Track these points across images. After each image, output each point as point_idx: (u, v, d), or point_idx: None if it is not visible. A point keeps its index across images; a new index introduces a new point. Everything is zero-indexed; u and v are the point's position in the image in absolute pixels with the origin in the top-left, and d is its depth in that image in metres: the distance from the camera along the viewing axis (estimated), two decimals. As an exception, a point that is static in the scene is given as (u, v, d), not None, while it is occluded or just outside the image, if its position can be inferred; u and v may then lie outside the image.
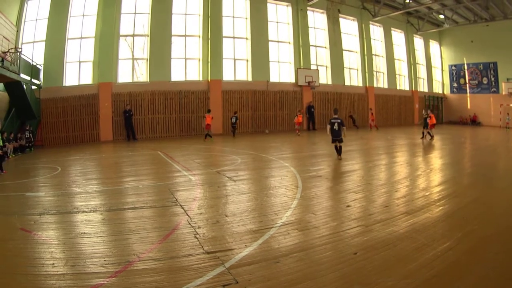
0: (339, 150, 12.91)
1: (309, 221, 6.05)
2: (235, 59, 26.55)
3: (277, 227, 5.73)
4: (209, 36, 24.85)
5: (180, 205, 7.08)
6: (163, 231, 5.60)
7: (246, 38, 26.78)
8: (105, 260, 4.51)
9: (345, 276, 4.09)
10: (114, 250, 4.87)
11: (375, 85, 33.78)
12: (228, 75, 26.10)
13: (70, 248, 5.01)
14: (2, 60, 13.95)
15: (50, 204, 7.48)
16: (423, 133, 20.26)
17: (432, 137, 19.75)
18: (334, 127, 12.69)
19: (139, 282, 3.95)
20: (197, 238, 5.25)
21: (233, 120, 22.79)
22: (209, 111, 21.47)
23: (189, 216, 6.33)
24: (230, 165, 12.11)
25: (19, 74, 16.15)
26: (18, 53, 16.26)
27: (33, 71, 18.75)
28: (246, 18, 26.83)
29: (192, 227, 5.74)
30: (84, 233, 5.59)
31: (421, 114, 26.56)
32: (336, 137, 12.73)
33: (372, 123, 29.32)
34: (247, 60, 26.83)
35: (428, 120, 19.58)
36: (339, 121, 12.72)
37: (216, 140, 20.47)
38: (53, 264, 4.43)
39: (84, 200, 7.75)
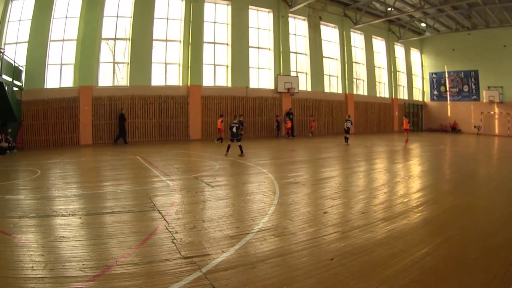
0: (241, 149, 15.85)
1: (286, 227, 6.11)
2: (215, 65, 26.59)
3: (254, 233, 5.78)
4: (189, 41, 24.86)
5: (158, 210, 7.12)
6: (140, 236, 5.63)
7: (227, 44, 26.87)
8: (83, 264, 4.53)
9: (321, 281, 4.15)
10: (93, 254, 4.88)
11: (355, 92, 34.28)
12: (208, 81, 26.09)
13: (49, 251, 5.02)
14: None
15: (30, 207, 7.45)
16: (346, 138, 21.67)
17: (347, 142, 21.57)
18: (233, 130, 15.98)
19: (117, 286, 4.00)
20: (174, 243, 5.29)
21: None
22: (221, 115, 22.02)
23: (166, 221, 6.37)
24: (208, 171, 12.18)
25: (1, 75, 15.87)
26: (1, 54, 16.04)
27: (15, 72, 18.42)
28: (227, 24, 26.93)
29: (170, 232, 5.78)
30: (63, 236, 5.60)
31: (400, 121, 27.54)
32: (235, 137, 16.03)
33: (311, 129, 30.18)
34: (227, 66, 26.91)
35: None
36: (237, 125, 16.11)
37: (195, 145, 20.50)
38: (32, 267, 4.44)
39: (63, 203, 7.75)
